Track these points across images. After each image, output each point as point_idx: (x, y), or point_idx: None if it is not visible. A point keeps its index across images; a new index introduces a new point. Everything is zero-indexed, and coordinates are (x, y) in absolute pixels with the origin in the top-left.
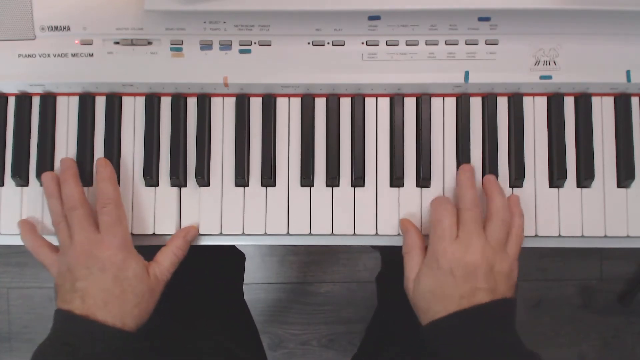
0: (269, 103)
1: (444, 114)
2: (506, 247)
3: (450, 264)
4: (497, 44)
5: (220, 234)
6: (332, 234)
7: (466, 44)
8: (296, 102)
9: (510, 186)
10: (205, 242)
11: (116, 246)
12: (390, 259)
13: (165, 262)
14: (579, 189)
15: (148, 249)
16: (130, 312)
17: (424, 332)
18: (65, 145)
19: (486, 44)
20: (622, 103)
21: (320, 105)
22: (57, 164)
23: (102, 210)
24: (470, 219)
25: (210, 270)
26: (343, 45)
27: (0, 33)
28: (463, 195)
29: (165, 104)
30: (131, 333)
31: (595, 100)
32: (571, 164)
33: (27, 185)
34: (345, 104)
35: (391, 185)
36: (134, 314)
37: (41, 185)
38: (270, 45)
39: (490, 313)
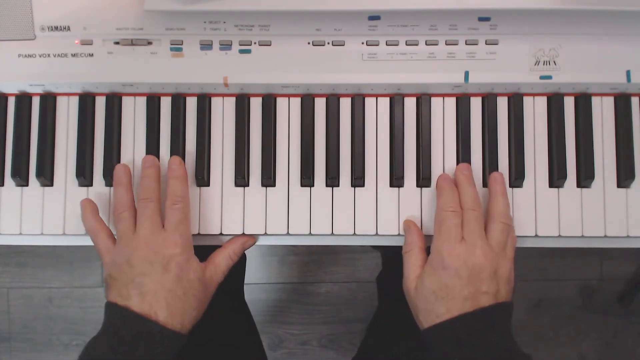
0: (269, 103)
1: (444, 114)
2: (505, 251)
3: (457, 265)
4: (497, 44)
5: (220, 234)
6: (332, 234)
7: (466, 44)
8: (296, 102)
9: (510, 186)
10: (204, 242)
11: (181, 245)
12: (391, 259)
13: (222, 264)
14: (579, 189)
15: None
16: (190, 314)
17: (427, 334)
18: (65, 145)
19: (486, 44)
20: (622, 103)
21: (320, 105)
22: (56, 164)
23: (173, 207)
24: (474, 219)
25: None
26: (343, 45)
27: (0, 33)
28: (464, 194)
29: (165, 104)
30: (185, 336)
31: (595, 100)
32: (571, 164)
33: (27, 185)
34: (345, 104)
35: (391, 185)
36: (192, 316)
37: (41, 185)
38: (270, 45)
39: (491, 317)
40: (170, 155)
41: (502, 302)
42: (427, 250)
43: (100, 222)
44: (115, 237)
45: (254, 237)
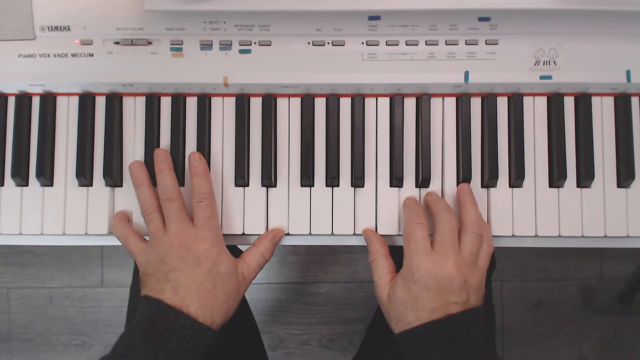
0: (269, 103)
1: (443, 114)
2: (477, 260)
3: (426, 277)
4: (497, 44)
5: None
6: (332, 234)
7: (466, 44)
8: (296, 102)
9: (510, 186)
10: None
11: (211, 240)
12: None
13: (253, 262)
14: (579, 189)
15: None
16: (220, 308)
17: (398, 339)
18: (65, 145)
19: (486, 44)
20: (622, 103)
21: (320, 105)
22: (56, 164)
23: (199, 204)
24: (449, 230)
25: None
26: (343, 45)
27: (0, 33)
28: (437, 206)
29: (165, 104)
30: (216, 332)
31: (595, 100)
32: (571, 164)
33: (27, 185)
34: (345, 104)
35: (391, 185)
36: (222, 310)
37: (41, 185)
38: (270, 45)
39: (459, 323)
40: (171, 155)
41: (471, 308)
42: (399, 257)
43: (128, 227)
44: (147, 238)
45: (281, 230)
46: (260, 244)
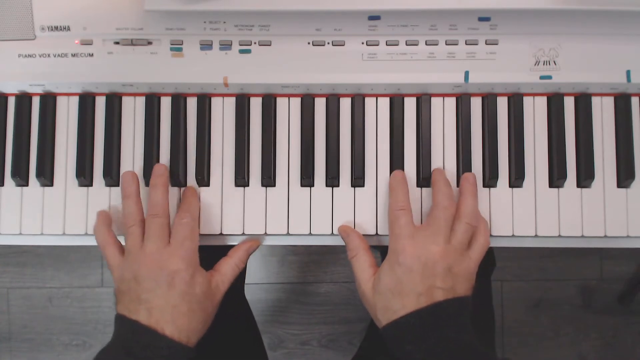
0: (269, 103)
1: (444, 114)
2: (469, 251)
3: (410, 260)
4: (497, 44)
5: (220, 234)
6: (332, 234)
7: (466, 44)
8: (296, 102)
9: (510, 186)
10: (204, 242)
11: (186, 261)
12: None
13: (228, 273)
14: (579, 189)
15: None
16: (196, 327)
17: (385, 332)
18: (65, 145)
19: (486, 44)
20: (622, 103)
21: (320, 105)
22: (56, 164)
23: (180, 222)
24: (443, 218)
25: None
26: (343, 45)
27: (0, 33)
28: (439, 192)
29: (165, 104)
30: (192, 349)
31: (595, 100)
32: (571, 164)
33: (27, 185)
34: (345, 104)
35: None
36: (199, 329)
37: (41, 185)
38: (270, 45)
39: (446, 311)
40: (171, 155)
41: (458, 296)
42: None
43: (111, 235)
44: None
45: (257, 241)
46: (234, 254)
